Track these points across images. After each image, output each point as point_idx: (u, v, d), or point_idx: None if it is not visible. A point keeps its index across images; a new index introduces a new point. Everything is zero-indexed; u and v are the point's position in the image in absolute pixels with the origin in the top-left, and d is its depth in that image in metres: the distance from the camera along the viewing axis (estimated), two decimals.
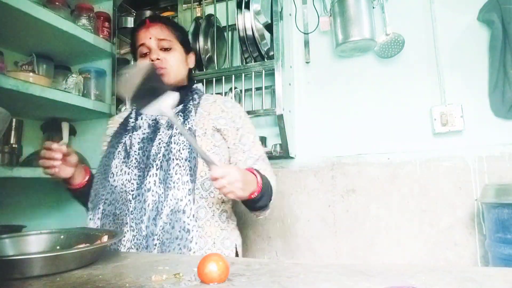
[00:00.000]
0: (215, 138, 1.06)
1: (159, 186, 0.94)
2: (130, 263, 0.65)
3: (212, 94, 1.46)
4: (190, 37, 1.62)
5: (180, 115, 1.05)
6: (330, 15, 1.60)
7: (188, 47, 1.18)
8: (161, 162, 0.97)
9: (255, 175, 0.95)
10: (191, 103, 1.08)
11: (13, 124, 1.56)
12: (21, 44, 1.64)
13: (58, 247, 0.75)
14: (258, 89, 1.60)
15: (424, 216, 1.44)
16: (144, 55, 1.09)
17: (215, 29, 1.64)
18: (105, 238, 0.72)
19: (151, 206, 0.93)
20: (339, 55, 1.62)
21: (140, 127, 1.05)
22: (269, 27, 1.55)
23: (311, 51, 1.69)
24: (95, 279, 0.54)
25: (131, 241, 0.92)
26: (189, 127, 1.02)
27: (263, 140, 1.64)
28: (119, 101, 1.78)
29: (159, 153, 0.98)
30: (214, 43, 1.64)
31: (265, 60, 1.55)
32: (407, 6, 1.55)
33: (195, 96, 1.12)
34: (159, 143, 1.00)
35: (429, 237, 1.42)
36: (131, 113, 1.14)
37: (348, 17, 1.48)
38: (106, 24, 1.83)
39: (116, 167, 1.01)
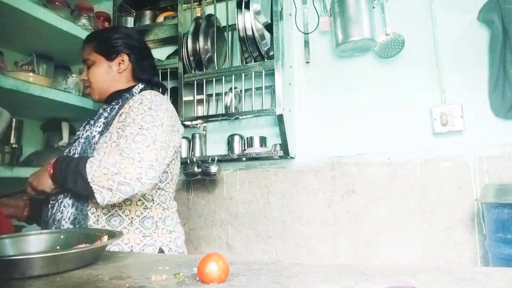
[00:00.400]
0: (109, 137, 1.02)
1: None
2: (130, 263, 0.65)
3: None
4: (190, 37, 1.62)
5: (92, 121, 1.11)
6: (330, 15, 1.60)
7: (109, 53, 1.11)
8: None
9: (48, 165, 0.97)
10: (116, 107, 1.08)
11: (13, 124, 1.56)
12: (21, 44, 1.64)
13: (58, 247, 0.75)
14: (258, 89, 1.60)
15: (424, 216, 1.44)
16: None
17: (215, 29, 1.64)
18: (105, 238, 0.72)
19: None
20: (339, 55, 1.62)
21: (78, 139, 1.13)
22: (269, 27, 1.55)
23: (311, 51, 1.69)
24: (95, 279, 0.54)
25: None
26: (87, 135, 1.05)
27: (263, 140, 1.65)
28: None
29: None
30: (214, 43, 1.64)
31: (265, 60, 1.55)
32: (407, 6, 1.55)
33: (124, 97, 1.09)
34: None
35: (429, 237, 1.42)
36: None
37: (348, 17, 1.48)
38: (106, 24, 1.82)
39: None
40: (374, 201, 1.52)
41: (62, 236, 0.78)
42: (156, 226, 1.03)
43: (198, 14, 1.80)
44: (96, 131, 1.05)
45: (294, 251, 1.61)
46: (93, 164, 0.90)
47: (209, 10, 1.77)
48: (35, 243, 0.76)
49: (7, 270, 0.55)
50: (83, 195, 0.94)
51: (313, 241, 1.59)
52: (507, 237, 1.12)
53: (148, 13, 1.87)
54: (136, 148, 0.91)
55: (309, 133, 1.66)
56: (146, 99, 1.02)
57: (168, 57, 1.79)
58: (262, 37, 1.54)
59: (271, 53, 1.54)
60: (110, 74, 1.11)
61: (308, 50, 1.69)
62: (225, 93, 1.64)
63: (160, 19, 1.81)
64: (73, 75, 1.73)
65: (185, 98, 1.67)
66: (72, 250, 0.61)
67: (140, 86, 1.13)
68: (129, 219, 1.00)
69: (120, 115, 1.03)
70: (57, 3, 1.58)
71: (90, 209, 0.97)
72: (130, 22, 1.86)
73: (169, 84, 1.73)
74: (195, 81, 1.66)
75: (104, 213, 0.98)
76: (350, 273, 0.54)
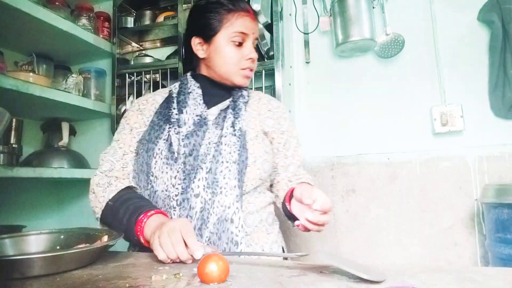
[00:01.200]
0: (265, 143, 0.95)
1: (206, 192, 0.84)
2: (130, 263, 0.65)
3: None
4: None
5: (230, 112, 0.94)
6: (330, 15, 1.60)
7: None
8: (211, 164, 0.86)
9: None
10: (240, 100, 0.97)
11: (13, 124, 1.56)
12: (21, 44, 1.64)
13: (58, 247, 0.75)
14: (258, 89, 1.60)
15: (424, 216, 1.44)
16: (239, 45, 0.95)
17: None
18: (105, 238, 0.72)
19: (198, 214, 0.82)
20: (339, 55, 1.62)
21: (185, 123, 0.92)
22: (269, 27, 1.55)
23: (311, 51, 1.69)
24: (95, 279, 0.54)
25: None
26: (239, 127, 0.91)
27: None
28: (119, 101, 1.78)
29: (208, 154, 0.87)
30: None
31: (265, 60, 1.55)
32: (407, 6, 1.55)
33: (244, 92, 1.00)
34: (209, 143, 0.89)
35: (429, 237, 1.42)
36: (171, 100, 0.98)
37: (348, 17, 1.48)
38: (106, 24, 1.83)
39: (158, 169, 0.88)
40: (374, 201, 1.52)
41: (62, 236, 0.78)
42: (276, 222, 1.02)
43: None
44: (243, 125, 0.93)
45: (294, 251, 1.61)
46: None
47: None
48: (35, 243, 0.76)
49: (7, 270, 0.55)
50: None
51: (313, 241, 1.59)
52: (507, 237, 1.12)
53: (148, 13, 1.86)
54: (308, 175, 1.01)
55: (309, 133, 1.66)
56: (282, 108, 1.05)
57: (168, 57, 1.79)
58: (262, 37, 1.54)
59: (271, 53, 1.54)
60: None
61: (308, 50, 1.69)
62: None
63: (160, 19, 1.81)
64: (73, 75, 1.73)
65: None
66: (72, 250, 0.62)
67: None
68: (259, 215, 0.95)
69: (259, 114, 0.99)
70: (57, 3, 1.59)
71: None
72: (130, 22, 1.86)
73: (169, 84, 1.73)
74: None
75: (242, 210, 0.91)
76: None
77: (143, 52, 1.90)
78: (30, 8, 1.35)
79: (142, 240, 0.75)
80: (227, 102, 0.97)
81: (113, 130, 1.75)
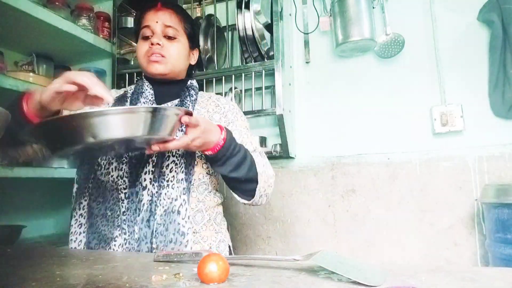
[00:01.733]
0: None
1: (153, 185, 0.88)
2: (130, 263, 0.65)
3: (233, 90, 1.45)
4: None
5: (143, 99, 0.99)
6: (330, 15, 1.60)
7: (194, 43, 1.10)
8: (157, 158, 0.90)
9: (221, 129, 0.85)
10: (188, 99, 1.02)
11: None
12: (21, 44, 1.64)
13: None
14: (258, 89, 1.60)
15: (424, 216, 1.44)
16: (146, 38, 1.01)
17: (215, 29, 1.64)
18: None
19: (146, 206, 0.87)
20: (339, 55, 1.62)
21: None
22: (269, 27, 1.55)
23: (311, 51, 1.69)
24: (95, 279, 0.54)
25: (122, 245, 0.85)
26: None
27: (263, 140, 1.64)
28: None
29: None
30: (214, 43, 1.64)
31: (265, 60, 1.56)
32: (407, 6, 1.55)
33: (192, 92, 1.05)
34: None
35: (429, 237, 1.42)
36: (125, 99, 1.02)
37: (348, 17, 1.48)
38: (106, 24, 1.82)
39: (105, 159, 0.91)
40: (374, 201, 1.52)
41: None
42: (224, 222, 1.03)
43: (198, 14, 1.80)
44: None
45: (294, 251, 1.61)
46: (263, 169, 0.93)
47: (209, 10, 1.77)
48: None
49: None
50: (233, 185, 0.93)
51: (313, 241, 1.59)
52: (507, 237, 1.12)
53: None
54: (264, 161, 0.99)
55: (309, 133, 1.66)
56: (231, 104, 1.07)
57: None
58: (262, 37, 1.54)
59: (271, 53, 1.54)
60: (187, 61, 1.08)
61: (308, 50, 1.69)
62: (225, 93, 1.64)
63: None
64: None
65: None
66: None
67: (195, 82, 1.11)
68: (208, 214, 0.97)
69: (207, 111, 1.02)
70: (57, 3, 1.58)
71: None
72: (130, 22, 1.86)
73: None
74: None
75: (191, 208, 0.93)
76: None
77: None
78: (30, 8, 1.35)
79: (27, 108, 0.72)
80: (176, 101, 1.02)
81: None
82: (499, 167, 1.35)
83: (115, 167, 0.90)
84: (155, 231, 0.85)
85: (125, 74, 1.76)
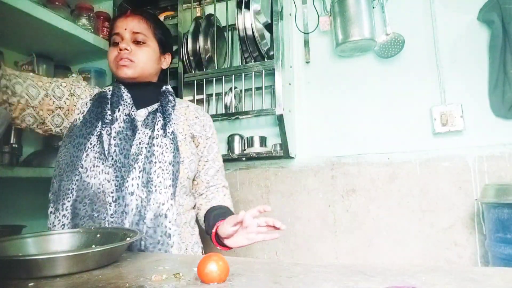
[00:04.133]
0: (191, 146, 1.06)
1: (142, 190, 0.91)
2: (130, 263, 0.65)
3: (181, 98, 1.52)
4: (190, 37, 1.62)
5: (159, 116, 1.02)
6: (330, 15, 1.60)
7: (165, 47, 1.14)
8: (143, 164, 0.93)
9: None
10: (168, 104, 1.06)
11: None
12: (21, 44, 1.64)
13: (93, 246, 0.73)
14: (258, 89, 1.60)
15: (424, 216, 1.44)
16: (116, 44, 1.05)
17: (215, 29, 1.64)
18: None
19: (134, 211, 0.90)
20: (339, 55, 1.62)
21: (116, 120, 0.97)
22: (269, 27, 1.55)
23: (311, 51, 1.69)
24: (95, 279, 0.54)
25: None
26: (172, 131, 1.00)
27: (263, 140, 1.64)
28: None
29: (140, 154, 0.94)
30: (214, 43, 1.64)
31: (265, 60, 1.55)
32: (407, 6, 1.55)
33: (170, 97, 1.09)
34: (139, 143, 0.96)
35: (429, 237, 1.42)
36: (106, 100, 1.02)
37: (348, 17, 1.48)
38: (106, 24, 1.82)
39: (90, 162, 0.92)
40: (374, 201, 1.52)
41: (98, 235, 0.77)
42: (196, 226, 1.11)
43: (198, 14, 1.80)
44: (174, 128, 1.03)
45: (294, 251, 1.61)
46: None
47: (209, 10, 1.77)
48: (64, 241, 0.75)
49: (30, 270, 0.56)
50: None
51: (313, 241, 1.59)
52: (507, 237, 1.12)
53: None
54: (224, 180, 1.18)
55: (309, 133, 1.66)
56: (207, 116, 1.17)
57: None
58: (262, 37, 1.54)
59: (271, 53, 1.54)
60: (157, 65, 1.12)
61: (308, 50, 1.69)
62: (225, 93, 1.64)
63: (160, 19, 1.81)
64: (73, 75, 1.73)
65: (185, 98, 1.67)
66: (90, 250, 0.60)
67: (170, 87, 1.15)
68: (185, 217, 1.04)
69: (186, 119, 1.10)
70: (57, 3, 1.58)
71: None
72: None
73: (169, 84, 1.73)
74: (195, 81, 1.66)
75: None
76: (350, 273, 0.54)
77: None
78: (30, 8, 1.35)
79: None
80: (155, 106, 1.05)
81: None
82: (499, 167, 1.35)
83: (102, 170, 0.92)
84: (145, 233, 0.89)
85: None
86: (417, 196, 1.46)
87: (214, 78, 1.63)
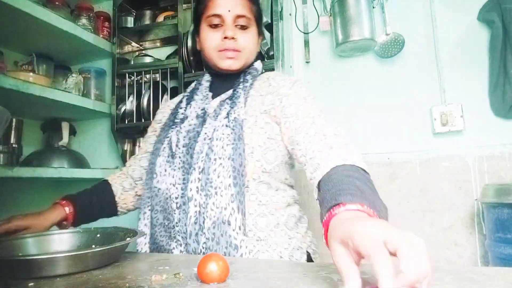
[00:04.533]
0: (268, 128, 0.84)
1: (200, 194, 0.78)
2: (130, 263, 0.65)
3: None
4: (190, 37, 1.62)
5: (227, 103, 0.87)
6: (330, 15, 1.60)
7: (261, 29, 0.99)
8: (203, 163, 0.79)
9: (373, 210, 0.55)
10: (241, 86, 0.89)
11: (13, 124, 1.56)
12: (21, 44, 1.64)
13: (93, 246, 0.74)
14: None
15: (424, 216, 1.44)
16: (214, 27, 0.89)
17: None
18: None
19: (193, 219, 0.77)
20: (339, 55, 1.62)
21: (187, 118, 0.88)
22: (269, 27, 1.55)
23: (311, 51, 1.69)
24: (95, 279, 0.54)
25: None
26: (234, 117, 0.82)
27: None
28: (119, 101, 1.78)
29: (201, 152, 0.81)
30: None
31: (265, 60, 1.55)
32: (407, 6, 1.55)
33: (248, 77, 0.92)
34: (204, 139, 0.83)
35: (429, 237, 1.42)
36: (182, 99, 0.96)
37: (348, 17, 1.48)
38: (106, 24, 1.82)
39: (160, 166, 0.85)
40: None
41: (98, 235, 0.77)
42: (300, 225, 0.90)
43: None
44: (241, 112, 0.83)
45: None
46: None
47: None
48: (64, 242, 0.76)
49: (31, 270, 0.56)
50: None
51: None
52: (507, 237, 1.12)
53: (148, 13, 1.86)
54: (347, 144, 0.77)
55: None
56: (287, 82, 0.92)
57: (168, 57, 1.79)
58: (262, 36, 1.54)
59: (271, 52, 1.54)
60: (256, 51, 0.97)
61: (308, 50, 1.69)
62: None
63: (160, 19, 1.81)
64: (73, 75, 1.73)
65: None
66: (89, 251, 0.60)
67: (258, 64, 0.99)
68: (275, 218, 0.83)
69: (260, 95, 0.89)
70: (57, 3, 1.59)
71: None
72: (130, 21, 1.86)
73: (169, 84, 1.73)
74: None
75: (250, 213, 0.81)
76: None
77: (143, 52, 1.90)
78: (30, 8, 1.35)
79: None
80: (230, 92, 0.90)
81: (113, 129, 1.75)
82: (499, 167, 1.35)
83: (169, 173, 0.83)
84: (205, 245, 0.76)
85: (125, 74, 1.76)
86: (417, 196, 1.46)
87: None
